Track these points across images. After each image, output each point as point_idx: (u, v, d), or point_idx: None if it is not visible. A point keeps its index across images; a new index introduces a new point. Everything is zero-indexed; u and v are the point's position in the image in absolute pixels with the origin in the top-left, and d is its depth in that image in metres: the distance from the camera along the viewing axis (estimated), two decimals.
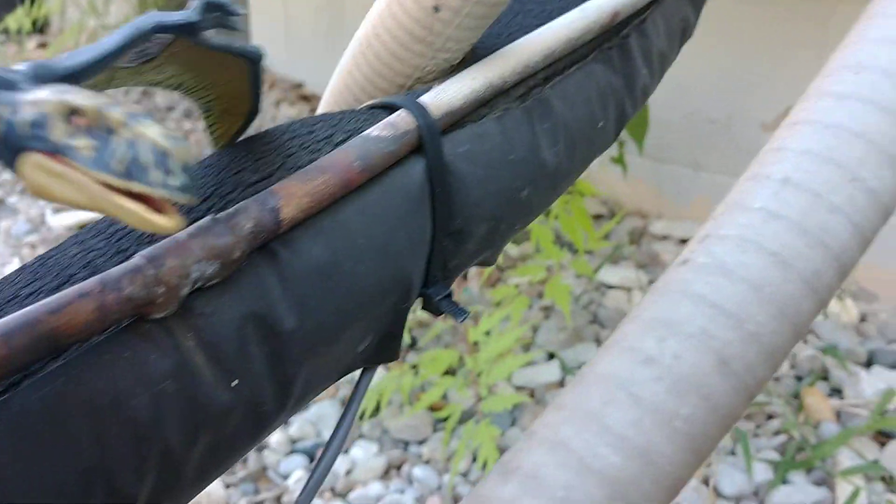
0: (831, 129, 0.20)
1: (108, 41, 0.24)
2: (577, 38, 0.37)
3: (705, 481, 0.92)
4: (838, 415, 1.02)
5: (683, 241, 1.49)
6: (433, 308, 0.36)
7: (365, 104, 0.34)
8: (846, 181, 0.19)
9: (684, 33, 0.46)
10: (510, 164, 0.35)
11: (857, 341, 1.18)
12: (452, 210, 0.33)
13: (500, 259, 1.43)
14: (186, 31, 0.26)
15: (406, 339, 1.23)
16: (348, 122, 0.32)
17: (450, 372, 1.10)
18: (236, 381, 0.27)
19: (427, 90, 0.33)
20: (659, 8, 0.43)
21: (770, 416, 1.03)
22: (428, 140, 0.32)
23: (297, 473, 1.00)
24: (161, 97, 3.11)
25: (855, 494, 0.85)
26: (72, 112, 0.21)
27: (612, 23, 0.39)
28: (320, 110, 0.41)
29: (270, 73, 3.45)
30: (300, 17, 3.03)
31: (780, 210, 0.19)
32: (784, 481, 0.91)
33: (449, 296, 0.36)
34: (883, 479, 0.90)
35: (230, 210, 0.27)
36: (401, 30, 0.33)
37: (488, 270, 1.33)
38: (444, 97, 0.33)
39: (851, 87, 0.20)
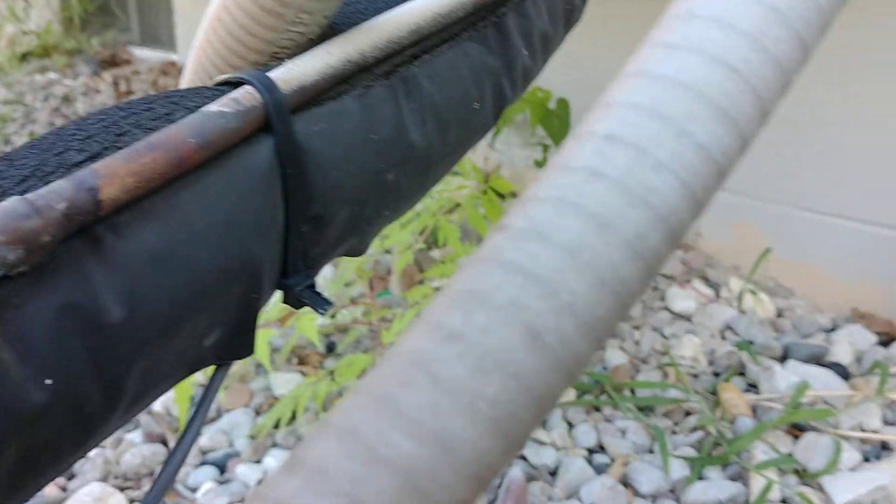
0: (659, 80, 0.18)
1: None
2: (447, 15, 0.35)
3: (622, 481, 0.91)
4: (754, 409, 1.03)
5: None
6: (293, 300, 0.34)
7: (214, 80, 0.32)
8: (673, 136, 0.17)
9: (569, 17, 0.45)
10: (373, 144, 0.33)
11: (772, 336, 1.19)
12: (309, 193, 0.31)
13: (422, 260, 1.42)
14: None
15: (321, 345, 1.20)
16: (191, 99, 0.30)
17: None
18: (50, 381, 0.24)
19: (278, 65, 0.31)
20: None
21: (688, 413, 1.03)
22: (275, 117, 0.29)
23: (206, 485, 0.96)
24: (81, 104, 3.02)
25: (767, 488, 0.86)
26: None
27: (487, 0, 0.37)
28: (183, 81, 0.38)
29: None
30: None
31: (601, 168, 0.17)
32: (700, 477, 0.91)
33: (312, 286, 0.34)
34: (796, 471, 0.91)
35: (40, 190, 0.24)
36: (250, 3, 0.31)
37: (393, 267, 1.31)
38: (295, 72, 0.30)
39: (681, 37, 0.19)
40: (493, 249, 0.17)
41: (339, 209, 0.32)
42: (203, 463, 1.00)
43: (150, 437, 1.03)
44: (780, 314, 1.31)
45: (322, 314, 0.34)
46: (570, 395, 1.06)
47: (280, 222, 0.31)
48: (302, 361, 1.19)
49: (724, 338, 1.21)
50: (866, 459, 0.93)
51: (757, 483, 0.88)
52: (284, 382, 1.12)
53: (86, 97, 3.12)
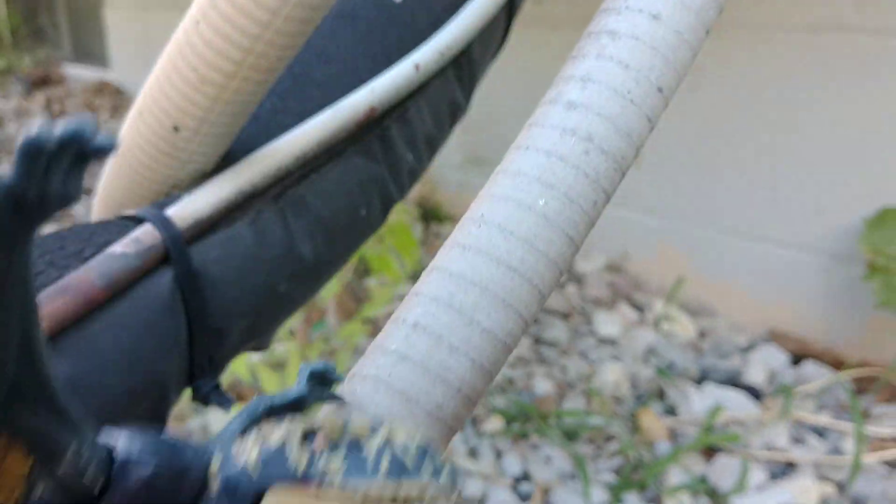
0: (454, 277, 0.23)
1: (227, 430, 0.23)
2: (331, 137, 0.40)
3: None
4: (672, 433, 1.09)
5: None
6: (201, 398, 0.38)
7: (119, 215, 0.36)
8: (464, 324, 0.22)
9: (454, 115, 0.50)
10: (265, 263, 0.37)
11: (691, 358, 1.26)
12: (207, 311, 0.35)
13: (358, 290, 1.46)
14: (298, 407, 0.24)
15: (252, 381, 1.23)
16: (99, 235, 0.34)
17: None
18: None
19: (178, 199, 0.35)
20: (423, 95, 0.46)
21: (609, 438, 1.09)
22: (173, 251, 0.34)
23: None
24: (14, 126, 2.99)
25: None
26: (308, 434, 0.21)
27: (370, 117, 0.42)
28: (96, 206, 0.42)
29: (130, 98, 3.37)
30: (160, 43, 2.97)
31: (408, 353, 0.22)
32: (619, 501, 0.97)
33: (217, 387, 0.38)
34: (707, 493, 0.97)
35: None
36: (148, 146, 0.35)
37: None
38: (190, 208, 0.35)
39: (473, 240, 0.23)
40: None
41: (237, 321, 0.37)
42: None
43: None
44: (701, 334, 1.37)
45: (227, 412, 0.38)
46: (499, 424, 1.11)
47: (184, 337, 0.35)
48: (240, 398, 1.23)
49: (646, 362, 1.27)
50: (773, 478, 0.99)
51: None
52: (222, 420, 1.15)
53: (18, 119, 3.09)
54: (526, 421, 1.12)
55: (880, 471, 0.98)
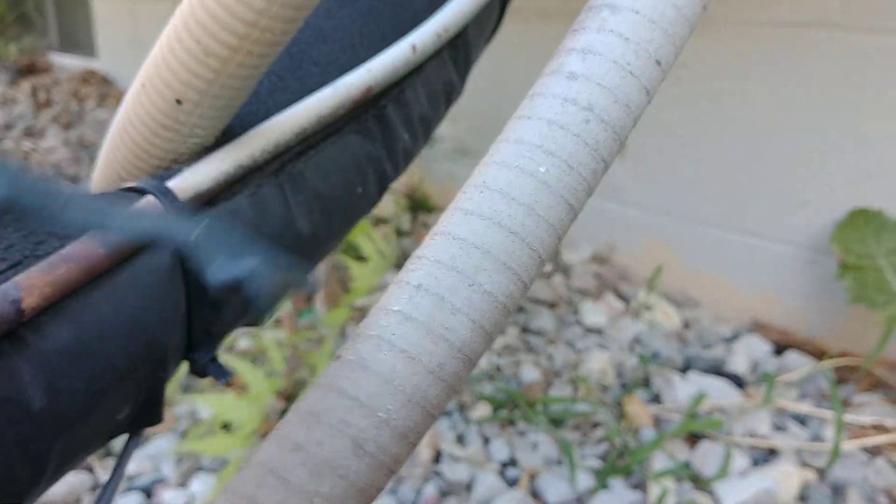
0: (456, 241, 0.24)
1: None
2: (329, 115, 0.40)
3: (533, 493, 0.97)
4: (656, 420, 1.10)
5: None
6: (198, 370, 0.39)
7: (120, 187, 0.37)
8: (466, 286, 0.23)
9: (449, 96, 0.50)
10: (264, 237, 0.38)
11: (676, 348, 1.27)
12: (205, 284, 0.36)
13: (347, 278, 1.46)
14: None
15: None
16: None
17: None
18: None
19: (178, 172, 0.36)
20: (419, 76, 0.47)
21: (596, 425, 1.10)
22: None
23: None
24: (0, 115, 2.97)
25: (662, 495, 0.93)
26: None
27: (367, 96, 0.42)
28: (94, 179, 0.42)
29: (117, 87, 3.35)
30: (148, 31, 2.96)
31: (411, 313, 0.23)
32: (605, 487, 0.98)
33: (214, 359, 0.39)
34: (691, 478, 0.99)
35: None
36: (150, 119, 0.35)
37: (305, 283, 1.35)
38: (192, 180, 0.35)
39: (475, 205, 0.24)
40: (328, 376, 0.23)
41: (235, 295, 0.37)
42: (130, 489, 1.03)
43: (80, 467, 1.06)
44: (686, 325, 1.39)
45: (222, 384, 0.39)
46: (487, 411, 1.11)
47: (183, 309, 0.36)
48: (227, 383, 1.23)
49: (632, 351, 1.28)
50: (755, 464, 1.01)
51: (654, 491, 0.95)
52: (210, 405, 1.15)
53: (3, 107, 3.07)
54: (513, 408, 1.13)
55: (860, 457, 1.00)
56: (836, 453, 0.98)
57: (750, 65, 1.30)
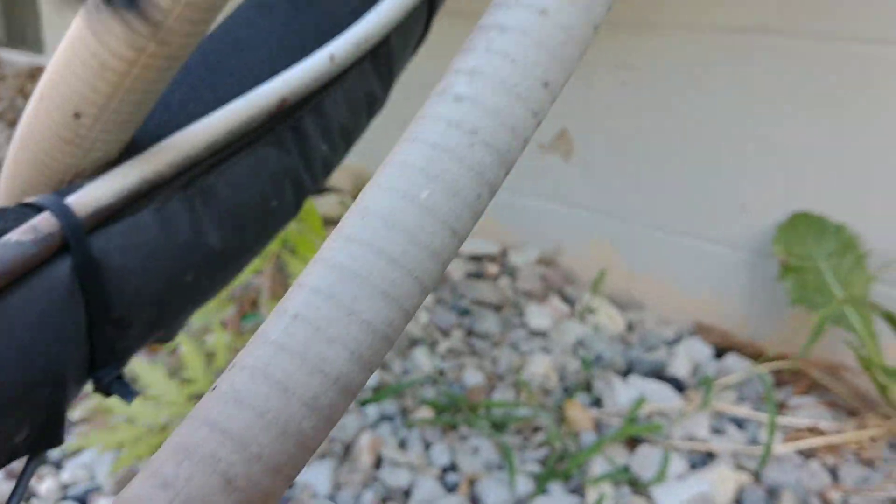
0: (336, 268, 0.23)
1: None
2: (241, 127, 0.40)
3: (472, 499, 0.97)
4: (597, 424, 1.11)
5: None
6: (102, 390, 0.38)
7: (19, 202, 0.36)
8: (343, 315, 0.23)
9: (372, 106, 0.50)
10: (171, 252, 0.37)
11: (619, 351, 1.28)
12: (108, 301, 0.35)
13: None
14: None
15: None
16: None
17: None
18: None
19: (80, 187, 0.35)
20: (339, 87, 0.46)
21: (536, 430, 1.11)
22: (72, 240, 0.33)
23: None
24: None
25: (600, 500, 0.94)
26: None
27: (282, 107, 0.42)
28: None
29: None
30: None
31: (287, 343, 0.22)
32: (543, 491, 0.98)
33: (119, 377, 0.38)
34: (629, 482, 0.99)
35: None
36: (49, 133, 0.34)
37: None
38: (92, 195, 0.34)
39: (357, 231, 0.24)
40: (202, 409, 0.22)
41: (142, 311, 0.36)
42: (65, 498, 1.01)
43: (11, 475, 1.03)
44: (630, 327, 1.40)
45: (129, 403, 0.38)
46: (428, 414, 1.11)
47: (83, 328, 0.35)
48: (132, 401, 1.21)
49: (575, 354, 1.29)
50: (693, 467, 1.02)
51: (593, 495, 0.96)
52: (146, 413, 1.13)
53: None
54: (456, 412, 1.12)
55: (795, 460, 1.02)
56: (766, 455, 1.00)
57: (693, 68, 1.32)
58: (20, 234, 0.32)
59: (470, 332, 1.34)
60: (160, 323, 0.38)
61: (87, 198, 0.34)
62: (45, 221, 0.33)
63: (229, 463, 0.21)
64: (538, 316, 1.37)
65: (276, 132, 0.43)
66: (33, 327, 0.32)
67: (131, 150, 0.38)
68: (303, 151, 0.44)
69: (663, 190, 1.42)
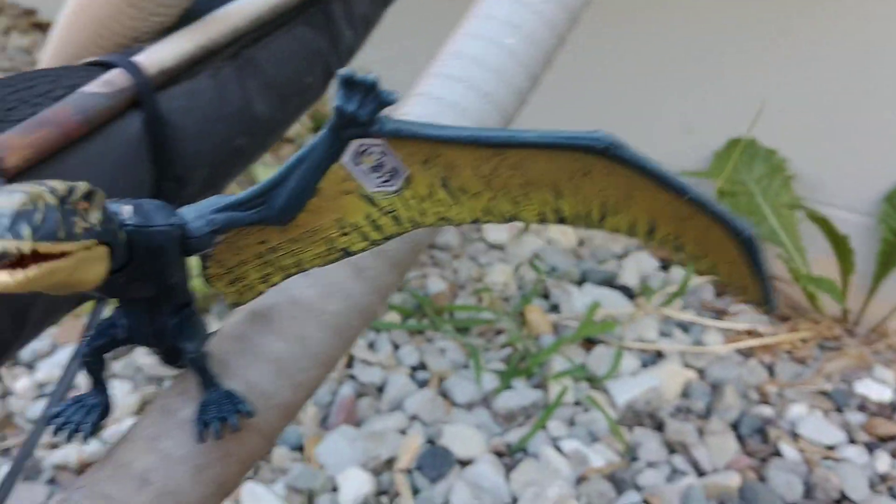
0: (434, 100, 0.27)
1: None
2: (283, 4, 0.42)
3: (442, 393, 1.03)
4: (555, 327, 1.17)
5: None
6: None
7: (83, 60, 0.38)
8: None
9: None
10: (224, 116, 0.40)
11: (573, 263, 1.34)
12: (172, 158, 0.38)
13: None
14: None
15: None
16: (67, 78, 0.36)
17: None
18: None
19: (141, 49, 0.37)
20: None
21: (499, 332, 1.16)
22: (144, 96, 0.36)
23: None
24: None
25: (562, 393, 1.00)
26: None
27: None
28: (46, 58, 0.43)
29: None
30: None
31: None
32: (508, 387, 1.04)
33: None
34: (587, 378, 1.06)
35: None
36: None
37: None
38: (156, 57, 0.37)
39: (456, 70, 0.27)
40: None
41: (197, 171, 0.40)
42: (41, 396, 1.03)
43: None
44: (581, 243, 1.46)
45: None
46: (395, 319, 1.16)
47: (148, 182, 0.38)
48: None
49: (531, 265, 1.35)
50: (644, 366, 1.09)
51: (554, 389, 1.02)
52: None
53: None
54: (422, 317, 1.17)
55: (736, 358, 1.10)
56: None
57: (679, 53, 1.35)
58: (97, 87, 0.35)
59: (431, 246, 1.38)
60: (210, 185, 0.41)
61: (152, 58, 0.37)
62: (118, 76, 0.35)
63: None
64: (495, 231, 1.42)
65: (309, 14, 0.45)
66: (109, 175, 0.35)
67: (184, 20, 0.40)
68: (331, 34, 0.47)
69: (611, 108, 1.46)
